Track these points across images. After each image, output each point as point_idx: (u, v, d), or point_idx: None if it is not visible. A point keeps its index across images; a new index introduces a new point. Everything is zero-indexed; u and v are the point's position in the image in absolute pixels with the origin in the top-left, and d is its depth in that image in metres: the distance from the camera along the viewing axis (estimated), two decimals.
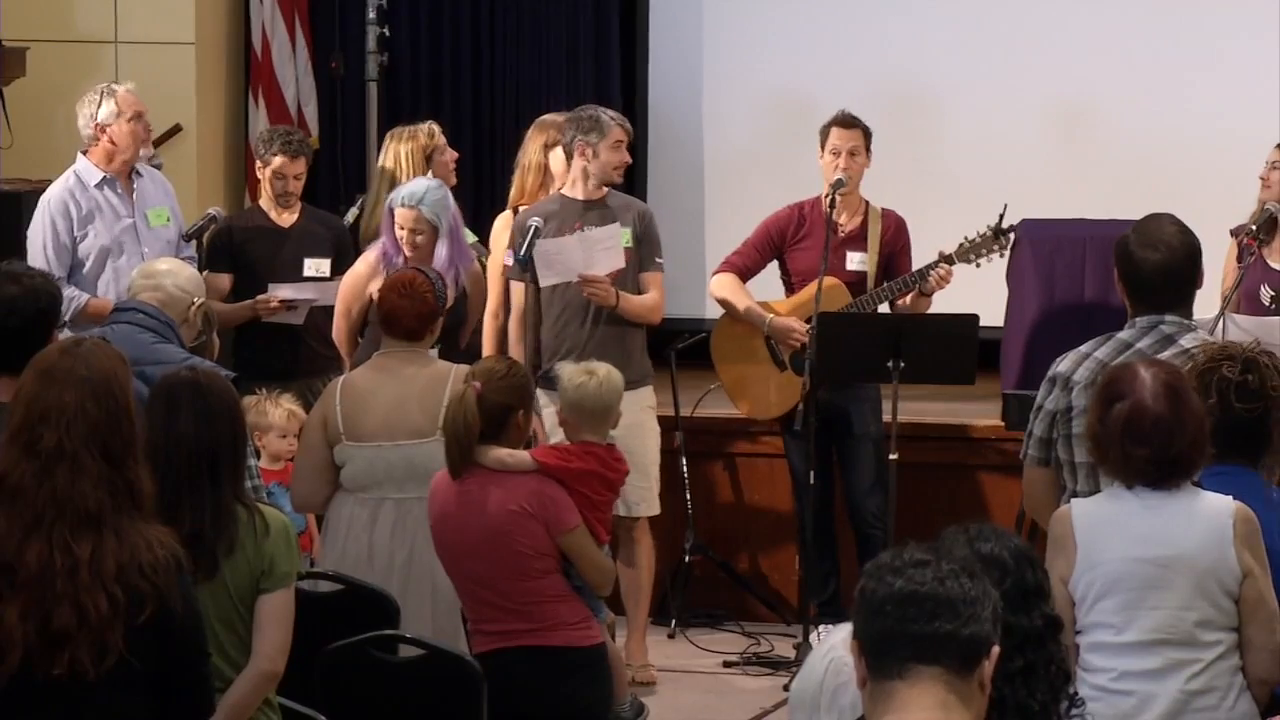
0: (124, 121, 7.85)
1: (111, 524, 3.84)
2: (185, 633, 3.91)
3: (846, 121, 8.05)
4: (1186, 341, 5.24)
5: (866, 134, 8.05)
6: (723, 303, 8.22)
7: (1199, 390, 4.82)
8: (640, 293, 7.81)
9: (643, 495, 7.67)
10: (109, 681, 3.82)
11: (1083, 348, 5.33)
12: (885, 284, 8.02)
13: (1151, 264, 5.30)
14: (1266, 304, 7.86)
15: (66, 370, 3.93)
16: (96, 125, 7.85)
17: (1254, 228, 7.82)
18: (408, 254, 7.49)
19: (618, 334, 7.74)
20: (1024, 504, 5.54)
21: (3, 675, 3.80)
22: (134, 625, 3.80)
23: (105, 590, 3.79)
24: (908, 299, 8.01)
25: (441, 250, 7.46)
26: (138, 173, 7.99)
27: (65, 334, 7.24)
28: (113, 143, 7.84)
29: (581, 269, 7.62)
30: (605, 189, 7.93)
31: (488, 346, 7.81)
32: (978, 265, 8.06)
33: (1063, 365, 5.32)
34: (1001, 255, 8.13)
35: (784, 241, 8.15)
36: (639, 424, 7.50)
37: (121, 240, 7.86)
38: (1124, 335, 5.30)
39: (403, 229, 7.47)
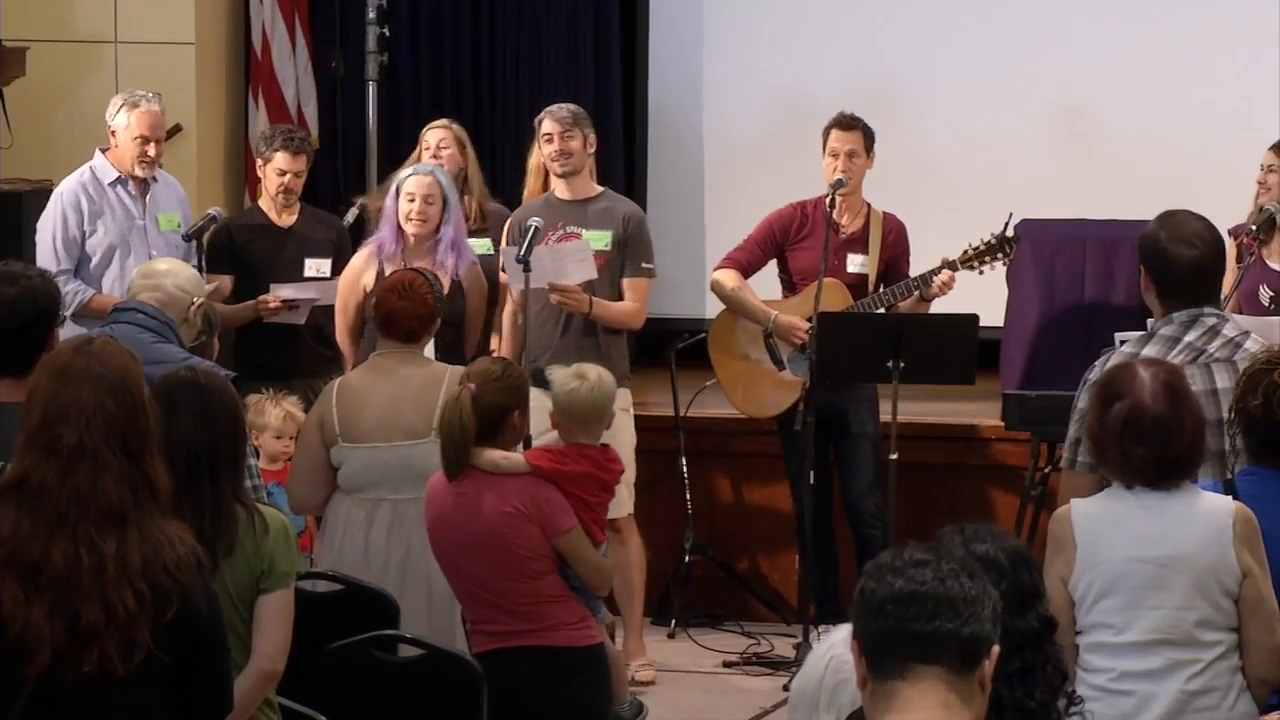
0: (129, 138, 7.89)
1: (135, 520, 3.86)
2: (208, 629, 3.94)
3: (846, 123, 8.03)
4: (1229, 331, 5.22)
5: (867, 135, 8.03)
6: (724, 298, 8.21)
7: (1247, 388, 4.82)
8: (621, 297, 7.80)
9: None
10: (137, 678, 3.82)
11: (1125, 348, 5.24)
12: (887, 288, 8.01)
13: (1187, 260, 5.25)
14: (1266, 304, 7.86)
15: (82, 369, 3.94)
16: (110, 127, 7.93)
17: (1254, 228, 7.83)
18: (414, 230, 7.46)
19: (594, 338, 7.74)
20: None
21: (32, 675, 3.80)
22: (160, 622, 3.81)
23: (132, 586, 3.80)
24: (907, 302, 8.00)
25: (449, 229, 7.49)
26: (152, 177, 8.03)
27: (68, 327, 7.30)
28: (118, 148, 7.92)
29: (552, 278, 7.61)
30: (598, 188, 7.94)
31: (507, 347, 7.80)
32: (981, 273, 8.05)
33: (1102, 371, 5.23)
34: (1005, 264, 8.11)
35: (786, 239, 8.15)
36: (613, 425, 7.46)
37: (130, 240, 7.89)
38: (1166, 331, 5.21)
39: (413, 199, 7.46)
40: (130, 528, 3.85)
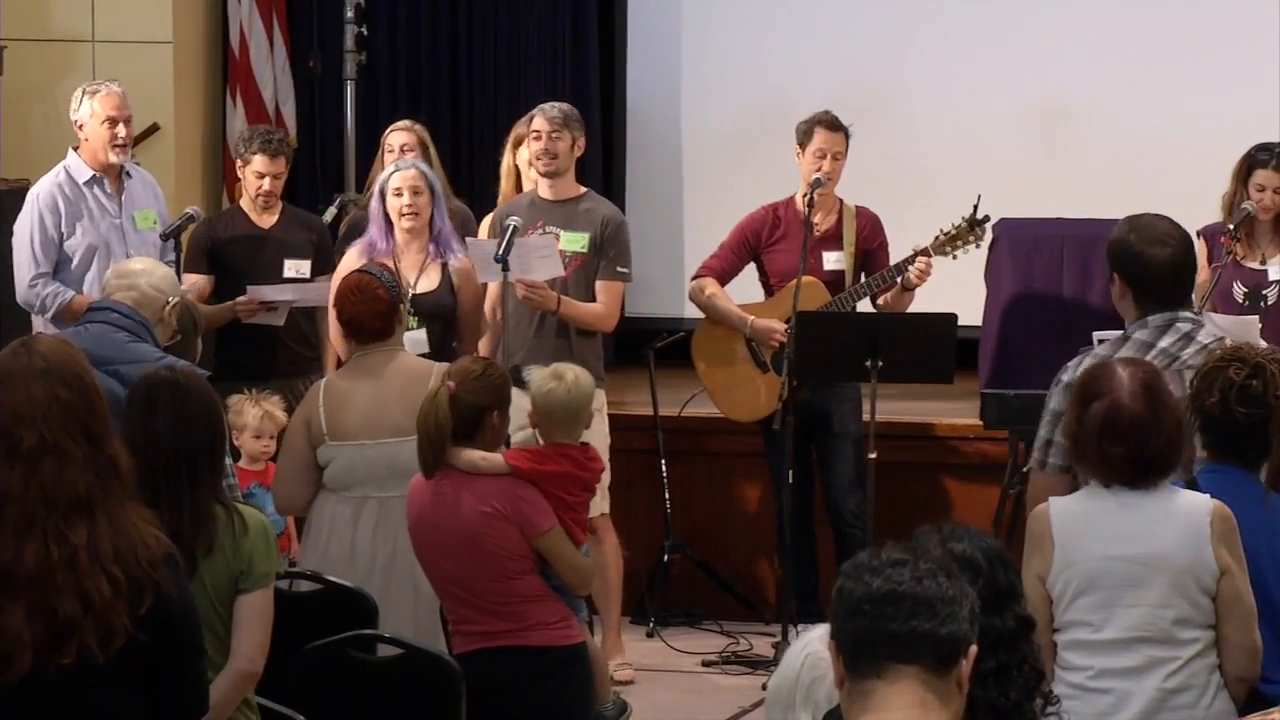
0: (96, 123, 7.82)
1: (103, 506, 3.82)
2: (183, 625, 3.90)
3: (834, 124, 8.06)
4: (1204, 337, 5.22)
5: (848, 137, 8.09)
6: (701, 306, 8.23)
7: (1203, 387, 4.83)
8: (594, 299, 7.80)
9: None
10: (116, 668, 3.80)
11: (1099, 350, 5.25)
12: (864, 280, 8.04)
13: (1162, 260, 5.25)
14: (1240, 301, 7.89)
15: (25, 368, 3.89)
16: (76, 123, 7.85)
17: (1231, 227, 7.85)
18: (409, 225, 7.45)
19: (566, 339, 7.74)
20: (1029, 509, 5.50)
21: (13, 679, 3.77)
22: (136, 614, 3.79)
23: (105, 572, 3.77)
24: (889, 296, 8.02)
25: (441, 219, 7.50)
26: (127, 174, 7.99)
27: (49, 330, 7.26)
28: (88, 141, 7.84)
29: (518, 273, 7.60)
30: (581, 189, 7.94)
31: (484, 346, 7.80)
32: (954, 257, 8.10)
33: (1079, 372, 5.15)
34: (978, 246, 8.16)
35: (759, 243, 8.17)
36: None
37: (108, 240, 7.83)
38: (1141, 335, 5.23)
39: (401, 193, 7.45)
40: (99, 514, 3.81)
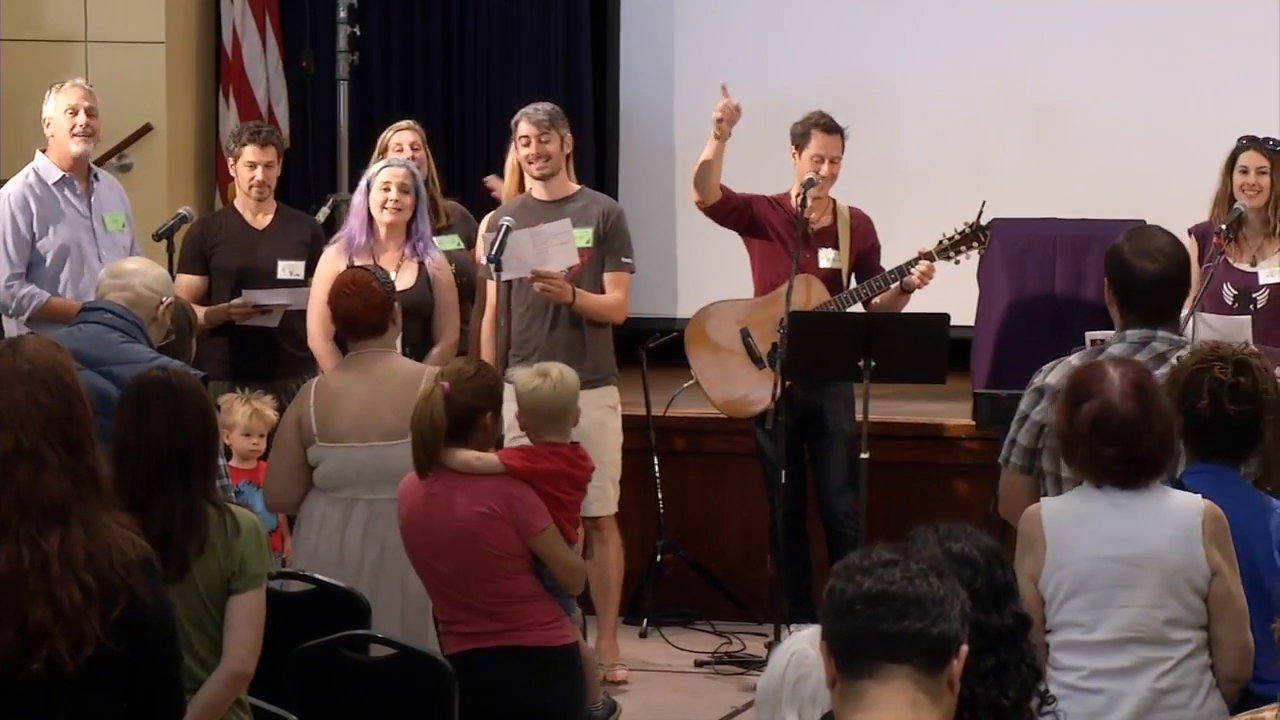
0: (59, 114, 7.74)
1: (78, 513, 3.81)
2: (157, 631, 3.89)
3: (831, 127, 8.05)
4: (1177, 361, 5.22)
5: (844, 139, 8.09)
6: (697, 168, 8.10)
7: (1189, 391, 4.83)
8: (603, 292, 7.80)
9: (596, 495, 7.52)
10: (87, 675, 3.79)
11: (1071, 358, 5.25)
12: (865, 281, 8.04)
13: (1149, 274, 5.24)
14: (1229, 303, 7.90)
15: (9, 369, 3.88)
16: (45, 121, 7.79)
17: (1223, 227, 7.86)
18: (390, 219, 7.47)
19: (580, 333, 7.74)
20: (1000, 507, 5.52)
21: None
22: (108, 620, 3.78)
23: (77, 579, 3.76)
24: (885, 296, 8.01)
25: (421, 221, 7.51)
26: (95, 176, 7.94)
27: (25, 331, 7.24)
28: (54, 137, 7.76)
29: (535, 264, 7.61)
30: (575, 187, 7.95)
31: (485, 349, 7.80)
32: (957, 262, 8.10)
33: (1051, 377, 5.20)
34: (981, 251, 8.16)
35: (756, 213, 8.11)
36: (599, 423, 7.49)
37: (79, 240, 7.78)
38: (1115, 349, 5.20)
39: (388, 188, 7.47)
40: (73, 521, 3.80)
